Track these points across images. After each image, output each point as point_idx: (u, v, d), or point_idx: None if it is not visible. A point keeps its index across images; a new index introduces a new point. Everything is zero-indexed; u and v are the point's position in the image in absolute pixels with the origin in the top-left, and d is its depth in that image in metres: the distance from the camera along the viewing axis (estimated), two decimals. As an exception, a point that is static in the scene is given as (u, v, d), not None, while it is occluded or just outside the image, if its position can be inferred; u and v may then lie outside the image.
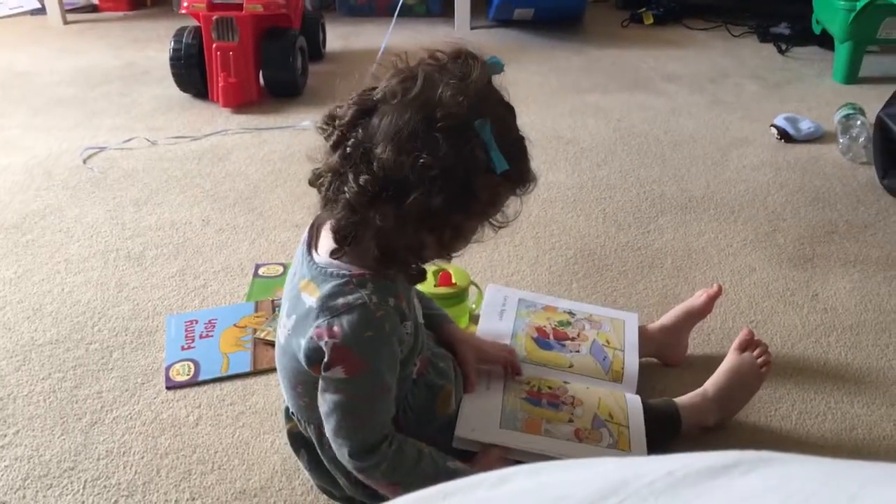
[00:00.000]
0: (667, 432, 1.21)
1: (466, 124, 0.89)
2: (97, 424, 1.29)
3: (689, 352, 1.44)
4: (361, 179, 0.90)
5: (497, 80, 0.97)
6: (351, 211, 0.93)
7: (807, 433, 1.28)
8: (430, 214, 0.91)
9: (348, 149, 0.92)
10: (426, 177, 0.89)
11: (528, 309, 1.43)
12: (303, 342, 0.98)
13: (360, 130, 0.92)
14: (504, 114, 0.96)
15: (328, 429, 1.00)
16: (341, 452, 1.01)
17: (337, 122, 0.94)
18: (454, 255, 1.03)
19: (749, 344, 1.29)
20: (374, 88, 0.93)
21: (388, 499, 1.08)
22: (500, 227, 1.01)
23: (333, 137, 0.94)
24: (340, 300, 0.96)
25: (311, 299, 0.98)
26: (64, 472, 1.20)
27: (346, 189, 0.92)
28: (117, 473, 1.20)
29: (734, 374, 1.27)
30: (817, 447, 1.25)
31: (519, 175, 0.97)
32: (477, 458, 1.10)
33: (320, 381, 0.99)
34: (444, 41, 0.96)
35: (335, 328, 0.95)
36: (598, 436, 1.16)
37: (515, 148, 0.96)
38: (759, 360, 1.28)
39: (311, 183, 0.98)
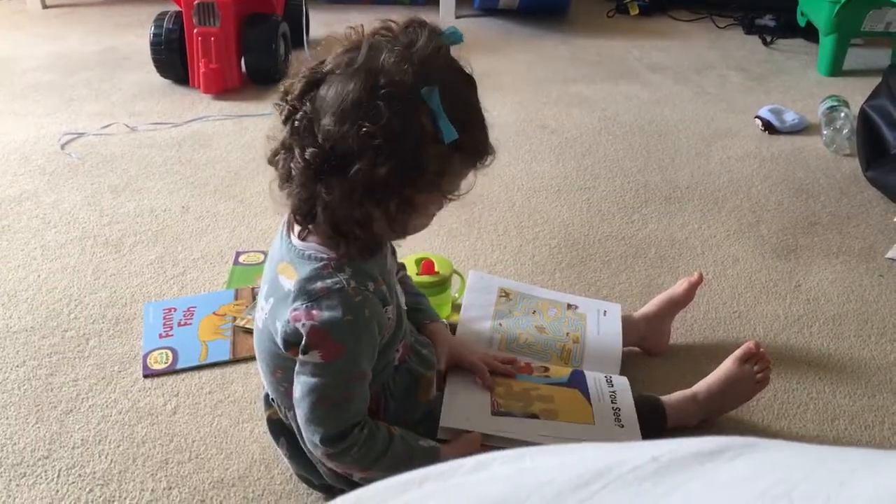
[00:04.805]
0: (650, 430, 1.20)
1: (411, 92, 0.87)
2: (72, 413, 1.26)
3: (673, 342, 1.44)
4: (307, 152, 0.89)
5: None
6: (302, 187, 0.91)
7: (789, 423, 1.28)
8: (375, 186, 0.89)
9: (296, 122, 0.91)
10: (369, 146, 0.87)
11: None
12: (280, 325, 0.97)
13: (308, 103, 0.90)
14: (457, 83, 0.93)
15: (300, 414, 0.99)
16: (313, 439, 0.99)
17: (288, 96, 0.93)
18: (410, 231, 1.00)
19: (752, 356, 1.25)
20: (325, 61, 0.92)
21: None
22: (451, 200, 0.98)
23: (284, 112, 0.93)
24: (319, 284, 0.94)
25: (288, 282, 0.97)
26: (38, 460, 1.18)
27: (293, 165, 0.91)
28: (92, 462, 1.18)
29: (729, 384, 1.24)
30: (799, 438, 1.25)
31: (472, 146, 0.94)
32: (455, 440, 1.09)
33: (296, 365, 0.98)
34: (402, 14, 0.94)
35: (314, 311, 0.93)
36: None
37: (469, 117, 0.93)
38: (758, 375, 1.25)
39: (270, 161, 0.97)
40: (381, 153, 0.87)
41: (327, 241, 0.96)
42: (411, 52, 0.88)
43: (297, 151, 0.90)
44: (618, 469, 0.41)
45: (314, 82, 0.91)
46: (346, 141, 0.88)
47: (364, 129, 0.87)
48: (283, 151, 0.93)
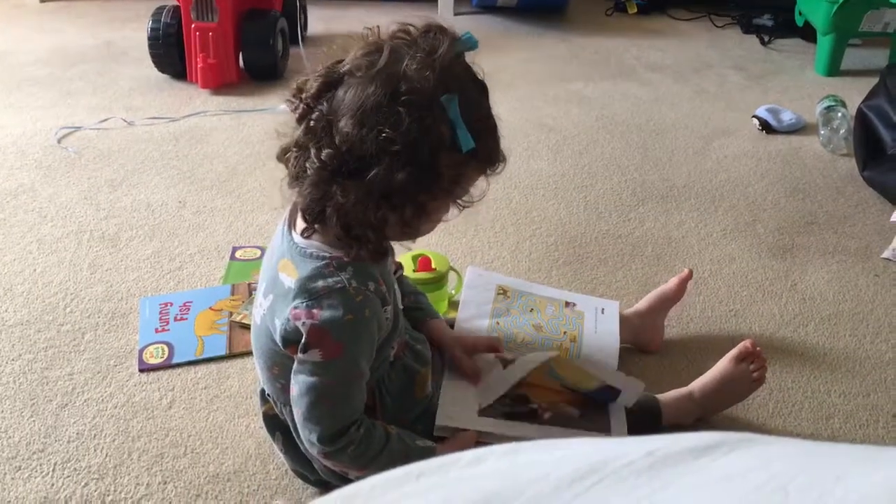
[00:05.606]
0: (646, 428, 1.20)
1: (431, 99, 0.88)
2: (68, 406, 1.26)
3: (668, 339, 1.44)
4: (324, 154, 0.89)
5: (477, 60, 0.96)
6: (314, 187, 0.91)
7: (784, 422, 1.28)
8: (392, 191, 0.89)
9: (312, 122, 0.90)
10: (388, 151, 0.87)
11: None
12: (279, 323, 0.97)
13: (325, 103, 0.90)
14: (474, 91, 0.94)
15: (297, 413, 0.99)
16: (310, 438, 0.99)
17: (303, 94, 0.92)
18: (419, 235, 1.00)
19: (748, 355, 1.25)
20: (342, 61, 0.92)
21: (361, 481, 1.07)
22: (464, 207, 0.99)
23: (299, 110, 0.92)
24: (320, 283, 0.94)
25: (289, 280, 0.97)
26: (33, 454, 1.18)
27: (308, 164, 0.90)
28: (88, 456, 1.18)
29: (725, 383, 1.24)
30: (794, 436, 1.25)
31: (486, 154, 0.94)
32: (450, 439, 1.09)
33: (294, 364, 0.98)
34: (418, 16, 0.94)
35: (314, 310, 0.93)
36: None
37: (484, 126, 0.93)
38: (754, 374, 1.25)
39: (279, 158, 0.96)
40: (398, 159, 0.87)
41: (335, 242, 0.96)
42: (433, 60, 0.88)
43: (312, 151, 0.90)
44: (613, 463, 0.41)
45: (331, 82, 0.91)
46: (364, 145, 0.88)
47: (384, 135, 0.87)
48: (295, 150, 0.93)
